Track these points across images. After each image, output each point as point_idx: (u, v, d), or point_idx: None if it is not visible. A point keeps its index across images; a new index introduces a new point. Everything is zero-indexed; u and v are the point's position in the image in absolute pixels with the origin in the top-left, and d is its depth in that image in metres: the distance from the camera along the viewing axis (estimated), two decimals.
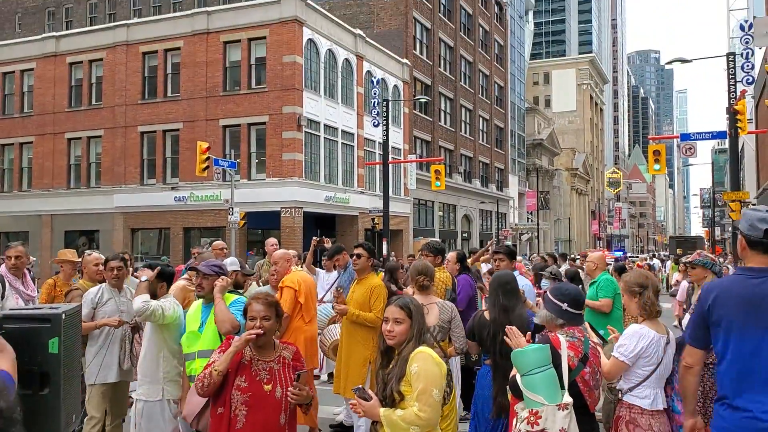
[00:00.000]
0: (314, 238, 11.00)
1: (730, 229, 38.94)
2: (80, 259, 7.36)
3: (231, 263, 6.21)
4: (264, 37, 30.71)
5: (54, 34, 37.18)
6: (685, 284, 11.40)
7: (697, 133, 23.33)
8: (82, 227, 34.73)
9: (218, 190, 30.09)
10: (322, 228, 34.63)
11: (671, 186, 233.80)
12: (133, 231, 33.77)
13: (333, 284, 9.49)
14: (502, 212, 60.69)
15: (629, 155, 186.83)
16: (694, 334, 3.49)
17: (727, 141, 22.13)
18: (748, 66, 21.77)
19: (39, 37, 37.56)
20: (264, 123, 30.54)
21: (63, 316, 3.33)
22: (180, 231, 32.22)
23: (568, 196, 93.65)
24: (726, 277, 3.83)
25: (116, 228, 33.59)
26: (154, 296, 5.51)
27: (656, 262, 37.08)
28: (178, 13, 35.86)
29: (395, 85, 40.19)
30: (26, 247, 7.33)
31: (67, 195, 34.90)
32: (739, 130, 20.30)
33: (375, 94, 35.73)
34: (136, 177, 33.38)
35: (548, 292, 4.35)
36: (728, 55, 20.79)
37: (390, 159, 32.71)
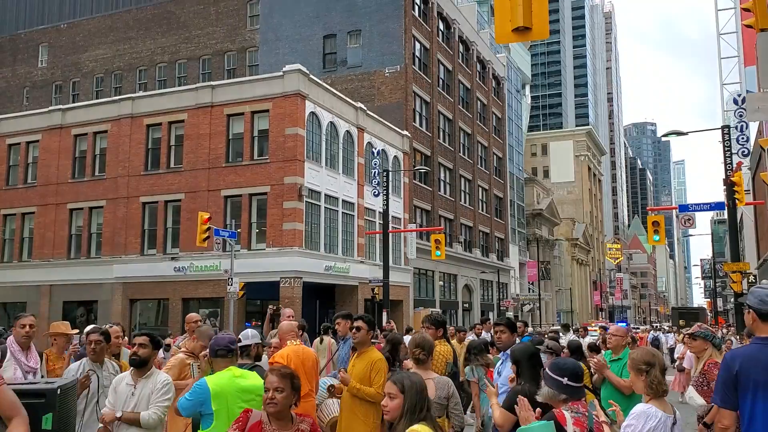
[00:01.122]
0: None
1: (732, 300, 38.68)
2: (75, 332, 7.28)
3: (252, 336, 6.19)
4: (267, 110, 31.29)
5: (60, 107, 37.91)
6: (692, 354, 11.23)
7: (695, 204, 23.47)
8: (81, 298, 34.52)
9: (218, 261, 30.05)
10: (321, 298, 34.44)
11: (672, 256, 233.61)
12: (131, 302, 33.55)
13: (333, 355, 9.36)
14: (503, 282, 60.44)
15: (629, 225, 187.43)
16: (726, 398, 3.80)
17: (725, 212, 22.27)
18: (743, 139, 22.12)
19: (45, 109, 38.30)
20: (265, 193, 30.78)
21: (58, 391, 3.28)
22: (179, 302, 32.00)
23: (569, 266, 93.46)
24: (746, 346, 4.19)
25: (115, 299, 33.39)
26: (147, 362, 5.47)
27: (668, 336, 36.45)
28: (183, 87, 36.67)
29: (395, 156, 40.70)
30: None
31: (66, 265, 34.84)
32: (737, 202, 20.45)
33: (375, 164, 36.15)
34: (136, 247, 33.41)
35: (547, 369, 4.29)
36: (723, 128, 21.16)
37: (390, 228, 32.84)
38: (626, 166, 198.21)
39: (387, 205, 32.33)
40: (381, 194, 33.60)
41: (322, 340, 12.50)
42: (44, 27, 58.45)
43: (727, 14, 43.56)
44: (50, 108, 38.28)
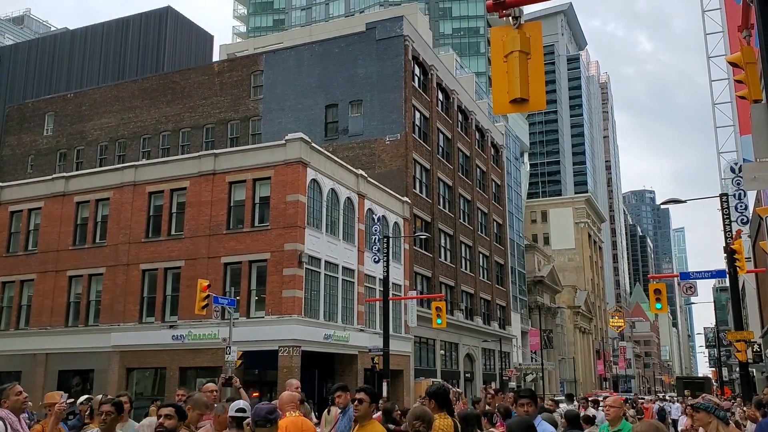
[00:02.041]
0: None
1: (737, 369, 38.08)
2: (71, 401, 7.14)
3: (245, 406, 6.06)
4: (269, 178, 31.57)
5: (64, 174, 38.26)
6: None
7: (697, 272, 23.41)
8: (78, 367, 34.01)
9: (216, 329, 29.75)
10: (320, 368, 33.92)
11: (675, 324, 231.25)
12: (128, 370, 33.04)
13: (332, 428, 9.16)
14: (506, 351, 59.67)
15: (630, 293, 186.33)
16: None
17: (727, 280, 22.17)
18: (741, 206, 22.24)
19: (49, 177, 38.64)
20: (265, 260, 30.74)
21: None
22: (176, 371, 31.52)
23: (572, 334, 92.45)
24: None
25: (112, 367, 32.90)
26: None
27: (675, 405, 35.56)
28: (185, 155, 37.11)
29: (396, 222, 40.85)
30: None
31: (64, 333, 34.48)
32: (738, 270, 20.38)
33: (376, 230, 36.24)
34: (134, 315, 33.14)
35: None
36: (721, 196, 21.31)
37: (390, 295, 32.64)
38: (626, 233, 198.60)
39: (387, 271, 32.24)
40: (381, 261, 33.54)
41: (329, 411, 12.43)
42: (51, 96, 59.63)
43: (721, 84, 44.46)
44: (53, 176, 38.62)
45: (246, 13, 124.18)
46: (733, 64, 8.37)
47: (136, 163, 37.10)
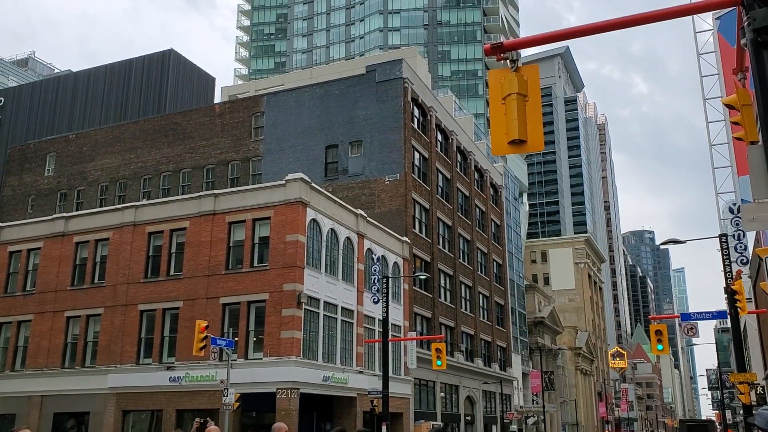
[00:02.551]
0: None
1: (741, 412, 37.59)
2: None
3: None
4: (268, 218, 31.61)
5: (64, 215, 38.30)
6: None
7: (698, 313, 23.28)
8: (73, 409, 33.55)
9: (214, 370, 29.45)
10: (318, 411, 33.47)
11: (677, 366, 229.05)
12: (124, 413, 32.58)
13: None
14: (506, 393, 58.96)
15: (632, 334, 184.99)
16: None
17: (728, 320, 22.04)
18: (740, 247, 22.25)
19: (49, 217, 38.67)
20: (264, 301, 30.58)
21: None
22: (172, 413, 31.09)
23: (573, 376, 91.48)
24: None
25: (108, 410, 32.45)
26: None
27: None
28: (186, 196, 37.21)
29: (395, 262, 40.76)
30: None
31: (60, 375, 34.11)
32: (739, 311, 20.28)
33: (375, 270, 36.13)
34: (132, 356, 32.83)
35: None
36: (720, 236, 21.33)
37: (390, 336, 32.39)
38: (626, 273, 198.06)
39: (387, 312, 32.05)
40: (381, 301, 33.38)
41: None
42: (53, 137, 60.08)
43: (718, 126, 44.85)
44: (53, 216, 38.67)
45: (248, 55, 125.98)
46: (729, 106, 8.47)
47: (136, 203, 37.17)
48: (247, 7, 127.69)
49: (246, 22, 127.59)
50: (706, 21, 47.11)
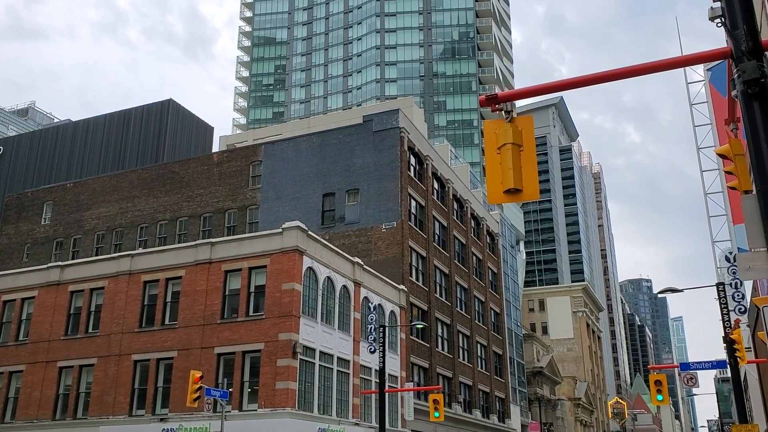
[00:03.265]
0: None
1: None
2: None
3: None
4: (265, 266, 31.51)
5: (59, 263, 38.14)
6: None
7: (697, 363, 23.08)
8: None
9: (208, 422, 28.94)
10: None
11: (677, 417, 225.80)
12: None
13: None
14: None
15: (631, 384, 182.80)
16: None
17: (728, 370, 21.83)
18: (738, 296, 22.18)
19: (44, 266, 38.49)
20: (259, 350, 30.25)
21: None
22: None
23: (573, 427, 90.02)
24: None
25: None
26: None
27: None
28: (182, 244, 37.12)
29: (392, 311, 40.49)
30: None
31: (51, 427, 33.46)
32: (739, 360, 20.11)
33: (372, 320, 35.85)
34: (124, 407, 32.27)
35: None
36: (718, 285, 21.29)
37: (386, 387, 31.95)
38: (625, 322, 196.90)
39: (383, 362, 31.69)
40: (377, 351, 33.03)
41: None
42: (51, 186, 60.26)
43: (712, 175, 45.18)
44: (49, 265, 38.50)
45: (246, 105, 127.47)
46: (722, 156, 8.56)
47: (132, 252, 37.07)
48: (246, 58, 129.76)
49: (245, 73, 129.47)
50: (698, 72, 47.92)
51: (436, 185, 52.45)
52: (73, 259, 48.54)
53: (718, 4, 6.80)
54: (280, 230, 31.92)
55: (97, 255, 48.43)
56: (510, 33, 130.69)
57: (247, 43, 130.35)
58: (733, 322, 20.95)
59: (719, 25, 6.68)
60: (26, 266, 46.32)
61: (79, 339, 34.68)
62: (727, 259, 22.88)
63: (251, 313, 31.32)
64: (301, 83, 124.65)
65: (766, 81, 6.20)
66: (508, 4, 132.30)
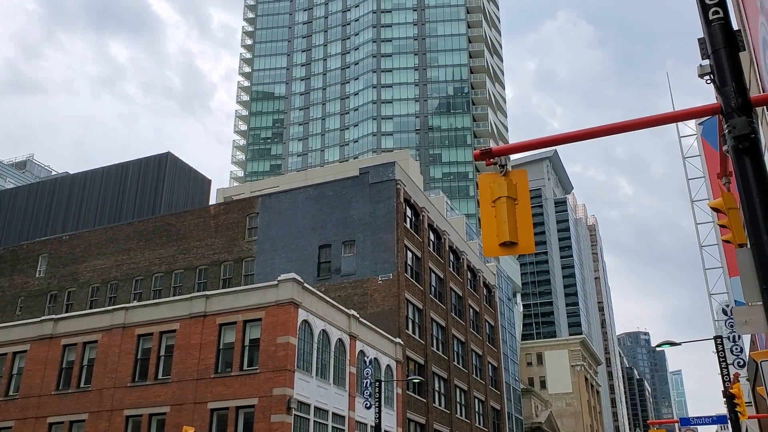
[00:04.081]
0: None
1: None
2: None
3: None
4: (260, 319, 31.25)
5: (52, 316, 37.79)
6: None
7: (697, 418, 22.76)
8: None
9: None
10: None
11: None
12: None
13: None
14: None
15: None
16: None
17: (729, 425, 21.50)
18: (737, 349, 22.02)
19: (37, 319, 38.13)
20: (253, 406, 29.76)
21: None
22: None
23: None
24: None
25: None
26: None
27: None
28: (177, 297, 36.89)
29: (388, 365, 40.00)
30: None
31: None
32: (740, 415, 19.83)
33: (367, 374, 35.39)
34: None
35: None
36: (716, 338, 21.16)
37: None
38: (623, 376, 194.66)
39: (379, 418, 31.17)
40: (373, 406, 32.51)
41: None
42: (46, 238, 60.13)
43: (707, 227, 45.31)
44: (42, 318, 38.14)
45: (244, 158, 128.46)
46: (715, 210, 8.62)
47: (126, 305, 36.78)
48: (245, 112, 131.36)
49: (243, 127, 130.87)
50: (689, 126, 48.59)
51: (432, 237, 52.51)
52: (67, 312, 48.13)
53: (706, 62, 6.96)
54: (276, 282, 31.78)
55: (91, 308, 48.02)
56: (504, 88, 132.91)
57: (245, 97, 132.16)
58: (732, 376, 20.75)
59: (708, 81, 6.82)
60: (19, 319, 45.85)
61: (71, 394, 34.11)
62: (724, 312, 22.79)
63: (245, 367, 30.94)
64: (298, 136, 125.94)
65: (756, 136, 6.31)
66: (501, 61, 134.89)
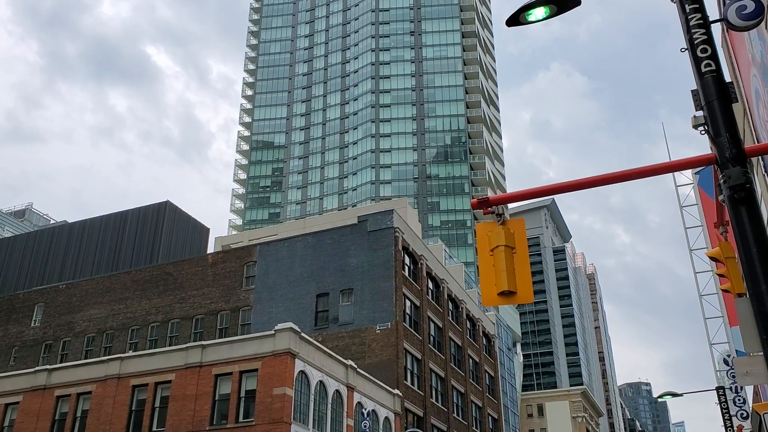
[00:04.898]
0: None
1: None
2: None
3: None
4: (256, 370, 30.87)
5: (47, 367, 37.30)
6: None
7: None
8: None
9: None
10: None
11: None
12: None
13: None
14: None
15: None
16: None
17: None
18: (739, 400, 21.70)
19: (31, 370, 37.63)
20: None
21: None
22: None
23: None
24: None
25: None
26: None
27: None
28: (173, 347, 36.51)
29: (386, 417, 39.35)
30: None
31: None
32: None
33: (365, 426, 34.81)
34: None
35: None
36: (718, 389, 20.89)
37: None
38: (625, 428, 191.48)
39: None
40: None
41: None
42: (43, 287, 59.79)
43: (706, 276, 45.19)
44: (36, 368, 37.63)
45: (243, 207, 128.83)
46: (713, 259, 8.61)
47: (122, 355, 36.36)
48: (244, 161, 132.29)
49: (242, 176, 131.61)
50: (686, 175, 48.92)
51: (430, 285, 52.27)
52: (61, 362, 47.55)
53: (700, 113, 7.04)
54: (273, 332, 31.50)
55: (86, 358, 47.45)
56: (501, 137, 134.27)
57: (245, 146, 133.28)
58: (735, 428, 20.39)
59: (703, 132, 6.89)
60: (13, 370, 45.25)
61: None
62: (726, 362, 22.57)
63: (241, 419, 30.43)
64: (297, 185, 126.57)
65: (751, 186, 6.34)
66: (498, 111, 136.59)
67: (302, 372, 31.53)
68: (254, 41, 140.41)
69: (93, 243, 72.29)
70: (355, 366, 37.14)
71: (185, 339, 46.11)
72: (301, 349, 31.70)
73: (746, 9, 7.16)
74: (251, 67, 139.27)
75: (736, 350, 31.95)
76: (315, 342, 34.52)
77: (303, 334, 32.41)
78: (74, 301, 54.90)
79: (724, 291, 8.69)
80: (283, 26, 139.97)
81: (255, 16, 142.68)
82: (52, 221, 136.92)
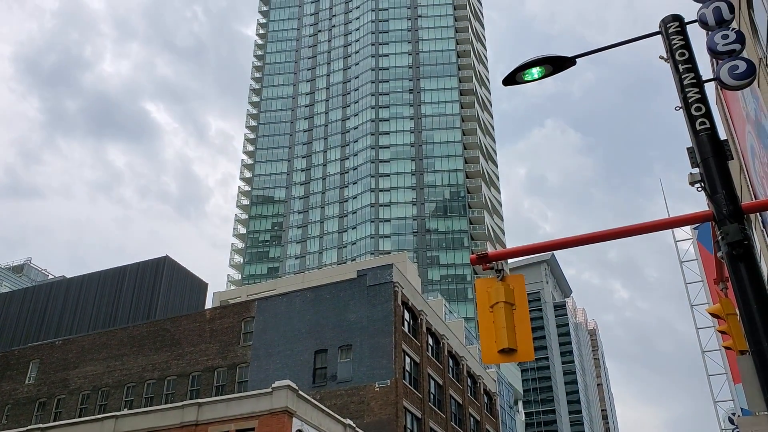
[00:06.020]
0: None
1: None
2: None
3: None
4: (253, 429, 30.31)
5: (39, 425, 36.61)
6: None
7: None
8: None
9: None
10: None
11: None
12: None
13: None
14: None
15: None
16: None
17: None
18: None
19: (24, 429, 36.92)
20: None
21: None
22: None
23: None
24: None
25: None
26: None
27: None
28: (168, 405, 35.91)
29: None
30: None
31: None
32: None
33: None
34: None
35: None
36: None
37: None
38: None
39: None
40: None
41: None
42: (38, 343, 59.13)
43: (708, 332, 44.84)
44: (29, 427, 36.92)
45: (242, 261, 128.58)
46: (715, 316, 8.55)
47: (116, 413, 35.73)
48: (244, 216, 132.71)
49: (242, 230, 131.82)
50: (685, 230, 49.02)
51: (430, 341, 51.72)
52: (55, 420, 46.64)
53: (696, 170, 7.09)
54: (270, 390, 31.05)
55: (80, 416, 46.56)
56: (499, 192, 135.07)
57: (245, 201, 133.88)
58: None
59: (699, 189, 6.93)
60: (5, 428, 44.37)
61: None
62: (731, 421, 22.15)
63: None
64: (297, 239, 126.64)
65: (749, 243, 6.34)
66: (496, 166, 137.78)
67: (300, 431, 30.93)
68: (256, 98, 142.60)
69: (91, 298, 71.92)
70: (354, 425, 36.46)
71: (181, 396, 45.37)
72: (299, 408, 31.18)
73: (738, 69, 7.29)
74: (252, 123, 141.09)
75: (742, 408, 31.44)
76: (313, 400, 33.98)
77: (300, 392, 31.93)
78: (70, 358, 54.22)
79: (726, 348, 8.61)
80: (284, 84, 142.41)
81: (257, 74, 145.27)
82: (50, 276, 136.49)
